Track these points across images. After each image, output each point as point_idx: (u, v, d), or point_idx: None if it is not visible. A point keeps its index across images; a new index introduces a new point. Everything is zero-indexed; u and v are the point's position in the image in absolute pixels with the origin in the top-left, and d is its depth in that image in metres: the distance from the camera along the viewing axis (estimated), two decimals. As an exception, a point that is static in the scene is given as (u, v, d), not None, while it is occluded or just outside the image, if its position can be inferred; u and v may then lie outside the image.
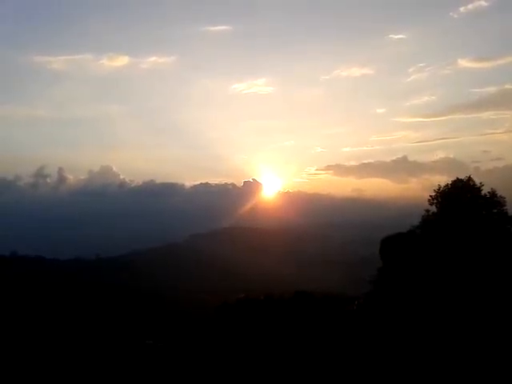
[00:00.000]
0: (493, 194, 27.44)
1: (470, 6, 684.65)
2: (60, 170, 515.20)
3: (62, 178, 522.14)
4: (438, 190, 28.56)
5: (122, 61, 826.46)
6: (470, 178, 28.18)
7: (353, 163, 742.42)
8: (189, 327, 50.32)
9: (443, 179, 30.22)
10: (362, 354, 24.03)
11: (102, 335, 48.33)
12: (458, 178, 28.49)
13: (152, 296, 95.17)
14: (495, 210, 27.29)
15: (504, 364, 19.43)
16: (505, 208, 27.31)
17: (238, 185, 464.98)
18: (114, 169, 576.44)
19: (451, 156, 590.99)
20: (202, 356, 32.71)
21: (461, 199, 27.83)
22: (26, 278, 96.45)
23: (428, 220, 28.57)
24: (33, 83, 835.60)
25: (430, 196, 28.65)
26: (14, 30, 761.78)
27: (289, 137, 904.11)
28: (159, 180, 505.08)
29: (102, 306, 75.38)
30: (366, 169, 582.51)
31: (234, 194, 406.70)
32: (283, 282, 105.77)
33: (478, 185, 28.04)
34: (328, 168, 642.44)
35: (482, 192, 27.84)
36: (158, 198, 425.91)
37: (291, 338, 30.69)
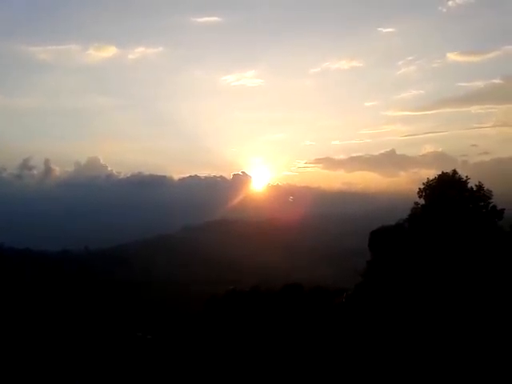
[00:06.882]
0: (479, 187, 27.63)
1: (458, 0, 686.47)
2: (46, 161, 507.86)
3: (48, 170, 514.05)
4: (427, 183, 28.79)
5: (109, 51, 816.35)
6: (455, 172, 28.37)
7: (342, 156, 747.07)
8: (179, 319, 50.34)
9: (431, 173, 30.46)
10: (349, 346, 24.26)
11: (92, 327, 48.09)
12: (443, 172, 28.68)
13: (142, 288, 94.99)
14: (482, 204, 27.52)
15: (494, 351, 19.81)
16: (491, 201, 27.53)
17: (227, 177, 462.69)
18: (102, 161, 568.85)
19: (439, 150, 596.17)
20: (189, 349, 32.77)
21: (447, 193, 28.03)
22: (13, 269, 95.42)
23: (416, 213, 28.80)
24: (19, 73, 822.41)
25: (419, 189, 28.85)
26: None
27: (278, 130, 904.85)
28: (147, 172, 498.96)
29: (91, 298, 74.97)
30: (355, 162, 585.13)
31: (223, 187, 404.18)
32: (274, 273, 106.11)
33: (464, 178, 28.25)
34: (317, 161, 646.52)
35: (469, 185, 28.06)
36: (146, 191, 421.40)
37: (279, 331, 30.84)
